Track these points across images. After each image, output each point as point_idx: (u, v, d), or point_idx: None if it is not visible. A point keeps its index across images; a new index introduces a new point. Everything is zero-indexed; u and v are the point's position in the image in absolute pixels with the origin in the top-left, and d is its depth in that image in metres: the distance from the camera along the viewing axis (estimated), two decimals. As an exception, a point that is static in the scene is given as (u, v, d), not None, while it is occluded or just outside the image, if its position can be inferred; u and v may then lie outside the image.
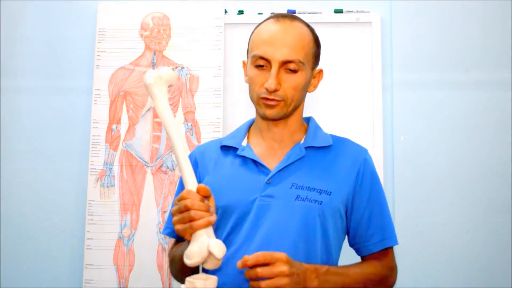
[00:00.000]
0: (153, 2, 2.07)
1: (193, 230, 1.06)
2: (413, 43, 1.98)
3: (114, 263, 1.94)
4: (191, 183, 1.11)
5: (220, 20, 2.03)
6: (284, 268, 1.08)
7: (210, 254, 1.04)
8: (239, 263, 1.08)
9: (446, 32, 1.98)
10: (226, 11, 2.05)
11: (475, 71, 1.96)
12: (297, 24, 1.27)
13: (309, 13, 2.02)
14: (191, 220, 1.05)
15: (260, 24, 1.30)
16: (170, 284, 1.92)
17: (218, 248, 1.04)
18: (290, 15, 1.29)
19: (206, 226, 1.06)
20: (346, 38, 2.00)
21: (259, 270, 1.07)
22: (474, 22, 1.97)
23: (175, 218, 1.09)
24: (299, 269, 1.11)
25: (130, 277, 1.93)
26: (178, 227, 1.07)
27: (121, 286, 1.92)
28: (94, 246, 1.95)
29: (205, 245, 1.04)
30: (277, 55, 1.22)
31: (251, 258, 1.08)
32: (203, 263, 1.07)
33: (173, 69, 1.22)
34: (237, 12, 2.06)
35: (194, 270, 1.12)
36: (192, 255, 1.05)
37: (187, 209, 1.06)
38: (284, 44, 1.22)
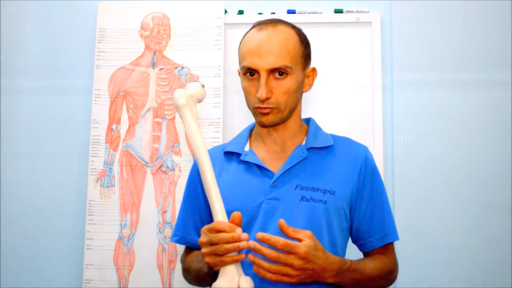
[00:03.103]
0: (153, 2, 2.07)
1: (224, 265, 1.09)
2: (413, 43, 1.98)
3: (114, 263, 1.94)
4: (221, 214, 1.13)
5: (220, 20, 2.03)
6: (296, 262, 1.08)
7: None
8: (259, 235, 1.08)
9: (446, 32, 1.98)
10: (226, 11, 2.05)
11: (475, 71, 1.96)
12: (280, 28, 1.27)
13: (309, 13, 2.02)
14: (222, 254, 1.09)
15: (245, 34, 1.31)
16: (170, 284, 1.92)
17: (249, 287, 1.08)
18: (273, 20, 1.29)
19: (236, 262, 1.09)
20: (346, 38, 2.00)
21: (266, 251, 1.07)
22: (474, 22, 1.97)
23: (205, 250, 1.11)
24: (318, 265, 1.11)
25: (130, 277, 1.93)
26: (208, 259, 1.11)
27: (121, 286, 1.92)
28: (94, 246, 1.95)
29: (235, 282, 1.08)
30: (263, 64, 1.23)
31: (272, 238, 1.07)
32: None
33: (203, 85, 1.22)
34: (237, 12, 2.06)
35: (214, 278, 1.14)
36: None
37: (218, 242, 1.09)
38: (269, 52, 1.23)
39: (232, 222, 1.11)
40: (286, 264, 1.08)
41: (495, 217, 1.89)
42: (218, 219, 1.12)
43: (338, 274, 1.16)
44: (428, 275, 1.88)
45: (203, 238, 1.12)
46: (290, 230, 1.11)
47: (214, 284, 1.10)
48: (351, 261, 1.21)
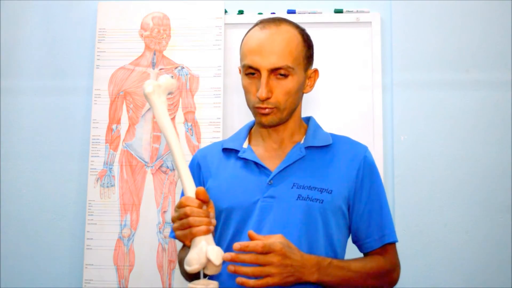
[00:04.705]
0: (153, 2, 2.07)
1: (193, 236, 1.09)
2: (413, 43, 1.98)
3: (114, 263, 1.94)
4: (190, 190, 1.13)
5: (220, 20, 2.03)
6: (275, 259, 1.09)
7: (209, 260, 1.06)
8: (236, 245, 1.08)
9: (446, 32, 1.98)
10: (226, 11, 2.05)
11: (475, 71, 1.96)
12: (283, 28, 1.26)
13: (309, 13, 2.02)
14: (191, 226, 1.09)
15: (248, 32, 1.30)
16: (170, 284, 1.92)
17: (216, 255, 1.06)
18: (277, 19, 1.28)
19: (205, 233, 1.09)
20: (346, 38, 2.00)
21: (244, 256, 1.08)
22: (474, 22, 1.97)
23: (175, 225, 1.12)
24: (296, 260, 1.12)
25: (130, 277, 1.93)
26: (178, 233, 1.12)
27: (121, 286, 1.92)
28: (94, 246, 1.95)
29: (203, 252, 1.07)
30: (265, 63, 1.22)
31: (250, 244, 1.08)
32: (203, 269, 1.09)
33: (172, 76, 1.23)
34: (237, 12, 2.06)
35: (198, 274, 1.14)
36: (191, 262, 1.07)
37: (186, 216, 1.09)
38: (271, 51, 1.22)
39: (197, 197, 1.12)
40: (266, 264, 1.08)
41: (495, 217, 1.89)
42: (187, 195, 1.13)
43: (319, 270, 1.15)
44: (428, 275, 1.88)
45: (173, 214, 1.14)
46: (261, 237, 1.11)
47: (185, 258, 1.10)
48: (332, 258, 1.21)
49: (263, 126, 1.29)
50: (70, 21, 2.11)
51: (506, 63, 1.94)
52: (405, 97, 1.96)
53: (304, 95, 1.35)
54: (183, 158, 1.15)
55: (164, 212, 1.95)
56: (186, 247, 1.34)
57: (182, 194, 1.39)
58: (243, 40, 1.30)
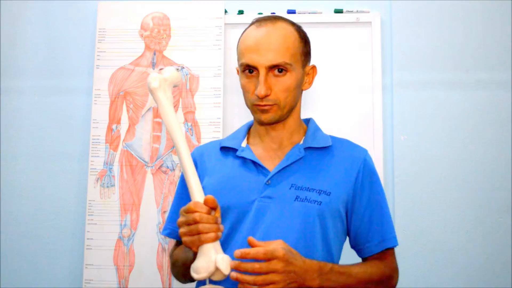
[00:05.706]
0: (153, 2, 2.07)
1: (201, 243, 1.08)
2: (413, 43, 1.98)
3: (114, 263, 1.94)
4: (198, 194, 1.12)
5: (220, 20, 2.03)
6: (278, 265, 1.07)
7: (217, 269, 1.06)
8: (237, 253, 1.07)
9: (446, 32, 1.98)
10: (226, 11, 2.05)
11: (475, 71, 1.96)
12: (279, 25, 1.26)
13: (309, 13, 2.02)
14: (199, 233, 1.07)
15: (244, 31, 1.30)
16: (170, 284, 1.92)
17: (226, 265, 1.06)
18: (272, 17, 1.28)
19: (214, 240, 1.08)
20: (346, 38, 2.00)
21: (248, 266, 1.06)
22: (474, 22, 1.97)
23: (182, 230, 1.10)
24: (299, 266, 1.11)
25: (130, 277, 1.93)
26: (186, 239, 1.09)
27: (121, 286, 1.92)
28: (94, 246, 1.95)
29: (212, 261, 1.06)
30: (262, 61, 1.21)
31: (251, 251, 1.07)
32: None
33: (177, 69, 1.21)
34: (237, 12, 2.06)
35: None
36: (199, 270, 1.07)
37: (195, 222, 1.08)
38: (268, 48, 1.22)
39: (206, 204, 1.10)
40: (269, 271, 1.07)
41: (495, 217, 1.89)
42: (195, 199, 1.11)
43: (321, 275, 1.14)
44: (428, 275, 1.88)
45: (180, 219, 1.11)
46: (262, 244, 1.10)
47: (192, 265, 1.09)
48: (333, 264, 1.20)
49: (262, 123, 1.28)
50: (70, 21, 2.11)
51: (506, 63, 1.94)
52: (405, 97, 1.96)
53: (304, 95, 1.35)
54: (190, 160, 1.14)
55: (164, 212, 1.95)
56: (181, 246, 1.34)
57: (180, 184, 1.38)
58: (239, 39, 1.30)
